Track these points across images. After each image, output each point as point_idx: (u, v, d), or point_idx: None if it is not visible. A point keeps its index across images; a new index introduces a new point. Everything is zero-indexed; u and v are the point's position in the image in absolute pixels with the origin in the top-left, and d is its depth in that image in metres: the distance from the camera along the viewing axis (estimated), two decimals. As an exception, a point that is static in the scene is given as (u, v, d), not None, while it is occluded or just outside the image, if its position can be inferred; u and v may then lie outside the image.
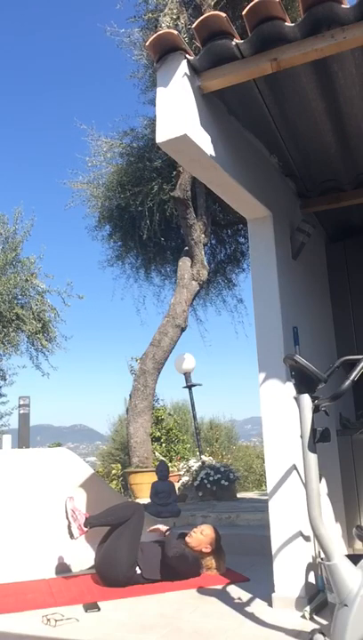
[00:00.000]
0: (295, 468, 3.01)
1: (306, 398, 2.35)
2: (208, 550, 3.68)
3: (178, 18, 7.20)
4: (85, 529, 3.65)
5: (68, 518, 3.67)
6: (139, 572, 3.51)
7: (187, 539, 3.73)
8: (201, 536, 3.70)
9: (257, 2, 2.31)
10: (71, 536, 3.66)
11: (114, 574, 3.48)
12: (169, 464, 8.05)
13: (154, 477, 6.09)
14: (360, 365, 2.26)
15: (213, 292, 10.65)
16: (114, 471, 10.62)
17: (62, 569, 3.97)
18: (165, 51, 2.60)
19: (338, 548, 2.71)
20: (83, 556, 4.06)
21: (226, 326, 11.07)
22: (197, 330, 10.14)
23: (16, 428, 8.88)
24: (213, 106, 2.87)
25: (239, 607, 2.96)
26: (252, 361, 3.42)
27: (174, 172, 8.32)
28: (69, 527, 3.66)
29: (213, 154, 2.75)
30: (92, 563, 3.95)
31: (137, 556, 3.53)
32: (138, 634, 2.63)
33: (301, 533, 2.95)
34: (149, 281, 10.40)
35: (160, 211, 8.72)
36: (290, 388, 3.02)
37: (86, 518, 3.67)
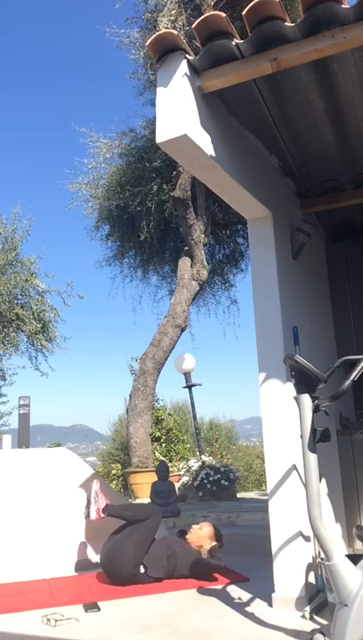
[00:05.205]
0: (295, 468, 3.01)
1: (306, 398, 2.35)
2: (208, 546, 3.68)
3: (176, 19, 7.19)
4: (103, 515, 3.73)
5: (89, 498, 3.76)
6: (143, 570, 3.52)
7: (187, 536, 3.75)
8: (201, 532, 3.72)
9: (257, 2, 2.31)
10: (87, 516, 3.75)
11: (117, 568, 3.50)
12: (169, 464, 8.06)
13: (154, 477, 6.09)
14: (360, 365, 2.26)
15: (209, 292, 10.64)
16: (114, 471, 10.63)
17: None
18: (165, 51, 2.60)
19: (338, 548, 2.71)
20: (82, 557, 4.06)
21: (226, 326, 11.05)
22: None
23: (16, 428, 8.89)
24: (213, 106, 2.87)
25: (239, 607, 2.96)
26: (252, 361, 3.42)
27: (174, 172, 8.31)
28: (88, 507, 3.76)
29: (213, 154, 2.75)
30: (91, 562, 3.96)
31: (143, 558, 3.54)
32: (138, 634, 2.63)
33: (301, 533, 2.95)
34: (145, 281, 10.39)
35: (159, 211, 8.72)
36: (290, 387, 3.02)
37: (106, 505, 3.74)
